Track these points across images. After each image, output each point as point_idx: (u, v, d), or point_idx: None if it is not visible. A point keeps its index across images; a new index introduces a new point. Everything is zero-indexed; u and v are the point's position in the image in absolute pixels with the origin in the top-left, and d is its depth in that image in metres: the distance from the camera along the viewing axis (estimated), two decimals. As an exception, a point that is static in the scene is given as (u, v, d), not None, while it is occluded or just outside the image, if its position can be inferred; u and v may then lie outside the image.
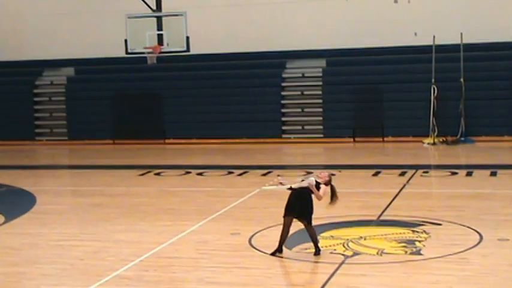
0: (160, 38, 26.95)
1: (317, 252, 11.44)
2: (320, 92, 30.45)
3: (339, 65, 30.68)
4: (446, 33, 28.42)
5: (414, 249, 11.74)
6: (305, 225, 11.44)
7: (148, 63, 28.22)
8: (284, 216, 11.49)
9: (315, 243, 11.49)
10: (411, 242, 12.21)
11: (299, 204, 11.38)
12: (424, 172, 20.85)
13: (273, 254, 11.53)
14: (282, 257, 11.45)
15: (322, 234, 12.58)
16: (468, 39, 28.10)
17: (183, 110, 31.23)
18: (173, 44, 26.91)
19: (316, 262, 11.17)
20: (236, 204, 16.32)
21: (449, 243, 12.07)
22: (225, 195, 17.55)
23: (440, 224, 13.56)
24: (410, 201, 16.29)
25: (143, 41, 26.89)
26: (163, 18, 27.14)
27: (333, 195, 11.56)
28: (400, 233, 12.80)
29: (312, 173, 11.64)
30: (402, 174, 20.24)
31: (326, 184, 11.53)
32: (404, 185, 18.32)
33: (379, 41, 29.92)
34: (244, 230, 13.45)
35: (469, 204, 15.70)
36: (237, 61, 31.57)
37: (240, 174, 21.14)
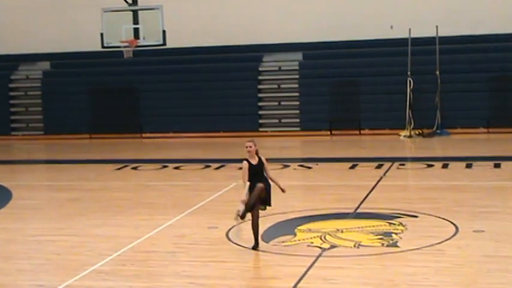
0: (136, 31, 26.87)
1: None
2: (297, 85, 30.50)
3: (315, 58, 30.75)
4: (422, 26, 28.56)
5: (391, 242, 11.80)
6: (261, 210, 11.47)
7: (125, 57, 28.12)
8: (255, 210, 11.48)
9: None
10: (388, 234, 12.27)
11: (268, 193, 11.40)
12: (400, 164, 20.95)
13: (254, 248, 11.51)
14: (259, 251, 11.46)
15: (299, 227, 12.61)
16: (444, 32, 28.24)
17: (159, 104, 31.14)
18: (149, 38, 26.85)
19: (294, 255, 11.19)
20: (213, 198, 16.32)
21: (425, 235, 12.14)
22: (203, 189, 17.55)
23: (416, 216, 13.63)
24: (387, 193, 16.36)
25: (119, 34, 26.80)
26: (140, 12, 27.06)
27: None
28: (377, 226, 12.85)
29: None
30: (379, 166, 20.32)
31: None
32: (381, 178, 18.40)
33: (355, 34, 30.00)
34: (222, 223, 13.44)
35: (445, 196, 15.80)
36: (213, 55, 31.54)
37: (217, 168, 21.14)
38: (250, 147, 11.51)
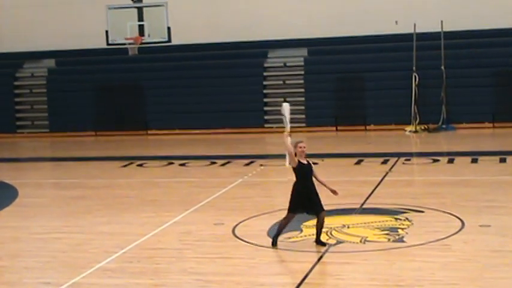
0: (141, 28, 26.90)
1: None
2: (302, 81, 30.46)
3: (320, 54, 30.70)
4: (426, 21, 28.48)
5: (397, 237, 11.79)
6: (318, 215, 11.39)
7: (130, 54, 28.18)
8: (291, 213, 11.41)
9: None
10: (394, 229, 12.26)
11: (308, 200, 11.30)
12: (406, 160, 20.92)
13: (273, 244, 11.49)
14: (265, 247, 11.45)
15: (305, 223, 12.59)
16: (448, 27, 28.16)
17: (165, 100, 31.13)
18: (154, 35, 26.88)
19: (300, 251, 11.19)
20: (219, 194, 16.32)
21: (431, 230, 12.13)
22: (208, 186, 17.54)
23: (422, 211, 13.62)
24: (393, 189, 16.35)
25: (124, 31, 26.83)
26: (144, 9, 27.10)
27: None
28: (383, 221, 12.84)
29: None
30: (385, 162, 20.30)
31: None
32: (387, 173, 18.38)
33: (360, 30, 29.94)
34: (228, 220, 13.45)
35: (450, 191, 15.78)
36: (218, 51, 31.51)
37: (223, 165, 21.13)
38: (304, 147, 11.36)
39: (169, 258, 11.25)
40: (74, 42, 32.36)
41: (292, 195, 11.35)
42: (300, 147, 11.35)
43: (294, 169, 11.34)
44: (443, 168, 19.32)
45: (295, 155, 11.34)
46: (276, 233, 11.53)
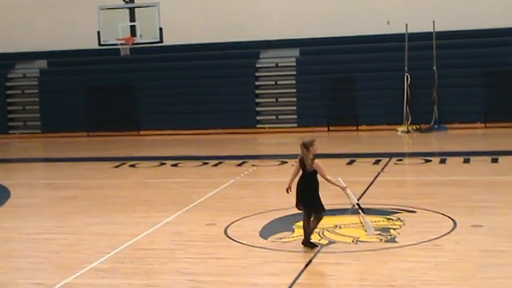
0: (133, 29, 26.88)
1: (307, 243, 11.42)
2: (294, 82, 30.47)
3: (312, 55, 30.72)
4: (418, 22, 28.52)
5: (389, 237, 11.81)
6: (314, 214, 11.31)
7: (122, 54, 28.15)
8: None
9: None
10: (386, 229, 12.27)
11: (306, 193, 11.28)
12: (398, 160, 20.94)
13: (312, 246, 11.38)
14: (257, 247, 11.45)
15: (297, 224, 12.59)
16: (440, 27, 28.23)
17: (157, 101, 31.11)
18: (146, 35, 26.86)
19: (292, 251, 11.20)
20: (211, 195, 16.31)
21: (423, 231, 12.14)
22: (200, 186, 17.53)
23: (414, 212, 13.63)
24: (385, 189, 16.36)
25: (116, 32, 26.81)
26: (136, 9, 27.07)
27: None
28: (375, 221, 12.84)
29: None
30: (377, 162, 20.32)
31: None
32: (379, 173, 18.39)
33: (352, 30, 29.97)
34: (220, 220, 13.45)
35: (442, 191, 15.80)
36: (210, 51, 31.52)
37: (215, 165, 21.13)
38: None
39: (161, 258, 11.24)
40: (65, 42, 32.32)
41: (314, 193, 11.34)
42: (316, 146, 11.57)
43: (314, 170, 11.40)
44: (435, 169, 19.35)
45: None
46: (307, 236, 11.36)
